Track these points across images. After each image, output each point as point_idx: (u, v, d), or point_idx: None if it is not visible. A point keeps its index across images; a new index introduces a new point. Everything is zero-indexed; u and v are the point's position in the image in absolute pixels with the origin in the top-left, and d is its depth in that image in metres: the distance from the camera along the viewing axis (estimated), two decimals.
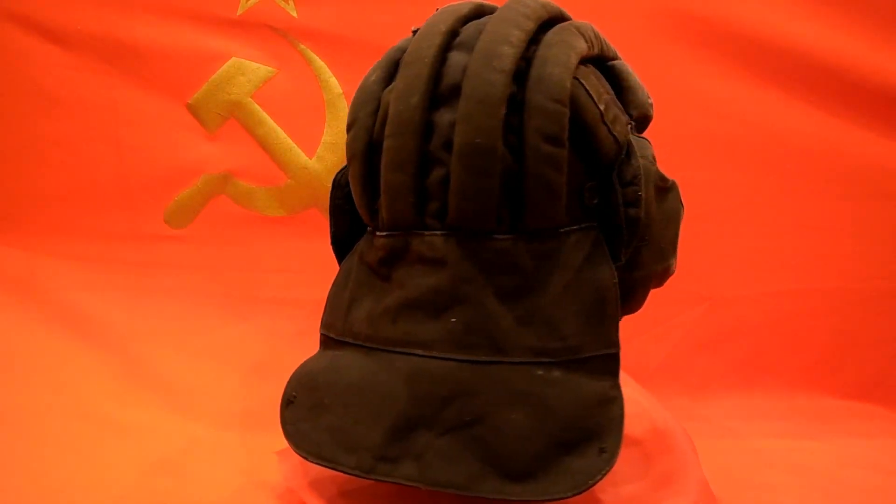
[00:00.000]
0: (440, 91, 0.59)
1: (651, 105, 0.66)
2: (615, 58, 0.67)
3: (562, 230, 0.59)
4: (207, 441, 0.84)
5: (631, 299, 0.66)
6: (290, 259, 1.08)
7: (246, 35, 1.05)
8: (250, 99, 1.07)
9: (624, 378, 0.65)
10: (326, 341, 0.68)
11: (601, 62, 0.65)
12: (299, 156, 1.07)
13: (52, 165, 1.08)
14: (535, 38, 0.60)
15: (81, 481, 0.75)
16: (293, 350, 0.87)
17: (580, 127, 0.59)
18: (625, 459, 0.66)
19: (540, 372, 0.58)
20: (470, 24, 0.62)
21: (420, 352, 0.60)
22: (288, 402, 0.66)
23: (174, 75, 1.05)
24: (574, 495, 0.55)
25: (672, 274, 0.68)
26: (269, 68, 1.06)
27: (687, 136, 1.01)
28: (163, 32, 1.04)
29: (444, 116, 0.59)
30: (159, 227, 1.08)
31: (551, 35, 0.60)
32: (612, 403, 0.58)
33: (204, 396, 0.94)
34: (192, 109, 1.07)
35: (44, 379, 0.93)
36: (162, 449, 0.81)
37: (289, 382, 0.67)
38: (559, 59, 0.58)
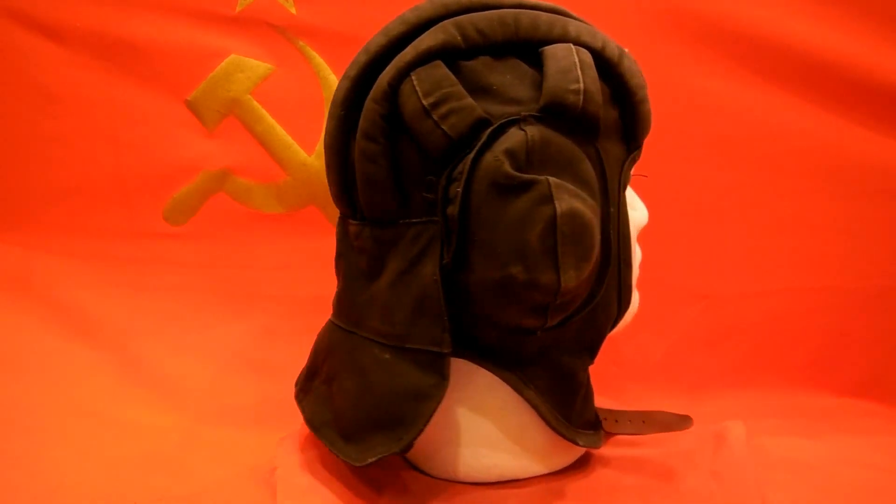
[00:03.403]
0: None
1: (572, 91, 0.60)
2: (558, 40, 0.63)
3: (401, 221, 0.62)
4: (205, 438, 0.84)
5: (476, 305, 0.61)
6: (289, 256, 1.08)
7: (245, 32, 1.05)
8: (249, 96, 1.06)
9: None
10: None
11: (525, 48, 0.63)
12: (298, 153, 1.07)
13: (50, 162, 1.08)
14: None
15: (79, 478, 0.75)
16: (291, 347, 0.87)
17: (400, 122, 0.61)
18: None
19: (376, 351, 0.64)
20: None
21: (331, 313, 0.73)
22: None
23: (173, 72, 1.05)
24: (356, 466, 0.62)
25: (547, 287, 0.59)
26: (268, 65, 1.06)
27: (684, 134, 1.00)
28: (162, 29, 1.04)
29: None
30: (158, 224, 1.08)
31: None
32: (427, 400, 0.61)
33: (201, 393, 0.95)
34: (191, 106, 1.07)
35: (41, 376, 0.93)
36: (159, 445, 0.82)
37: None
38: (395, 60, 0.61)
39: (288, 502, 0.66)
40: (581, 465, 0.73)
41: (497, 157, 0.58)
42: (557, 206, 0.57)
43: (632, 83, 0.66)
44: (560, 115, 0.60)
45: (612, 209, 0.65)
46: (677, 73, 0.99)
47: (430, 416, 0.60)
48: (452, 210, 0.59)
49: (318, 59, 1.06)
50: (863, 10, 0.96)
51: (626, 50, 0.69)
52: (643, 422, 0.76)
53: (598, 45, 0.64)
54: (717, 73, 1.00)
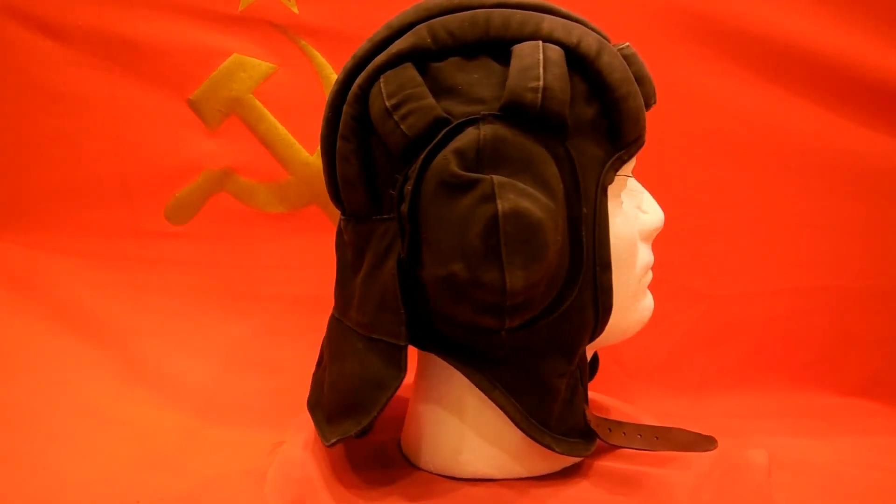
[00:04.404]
0: None
1: (531, 89, 0.59)
2: (529, 38, 0.62)
3: (374, 218, 0.65)
4: (206, 435, 0.84)
5: (433, 301, 0.62)
6: (291, 255, 1.08)
7: (247, 31, 1.05)
8: (251, 95, 1.06)
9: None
10: None
11: (497, 47, 0.62)
12: (300, 152, 1.07)
13: (52, 162, 1.08)
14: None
15: (80, 476, 0.75)
16: (292, 345, 0.88)
17: (369, 122, 0.63)
18: None
19: (354, 339, 0.67)
20: None
21: None
22: None
23: (175, 71, 1.05)
24: (327, 446, 0.67)
25: (492, 286, 0.58)
26: (271, 65, 1.06)
27: (687, 133, 1.00)
28: (163, 28, 1.04)
29: None
30: (160, 224, 1.08)
31: None
32: (385, 389, 0.63)
33: (203, 392, 0.95)
34: (193, 106, 1.07)
35: (44, 375, 0.94)
36: (160, 443, 0.82)
37: None
38: (370, 65, 0.63)
39: (276, 466, 0.73)
40: (567, 473, 0.71)
41: (446, 156, 0.58)
42: (499, 205, 0.56)
43: (611, 79, 0.63)
44: (519, 113, 0.60)
45: (585, 210, 0.63)
46: (679, 71, 0.99)
47: (385, 404, 0.63)
48: (404, 207, 0.60)
49: (320, 59, 1.06)
50: (866, 9, 0.96)
51: (627, 44, 0.67)
52: (657, 437, 0.73)
53: (572, 41, 0.62)
54: (718, 72, 1.00)
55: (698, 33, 0.99)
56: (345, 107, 0.65)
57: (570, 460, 0.71)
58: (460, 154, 0.58)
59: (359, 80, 0.63)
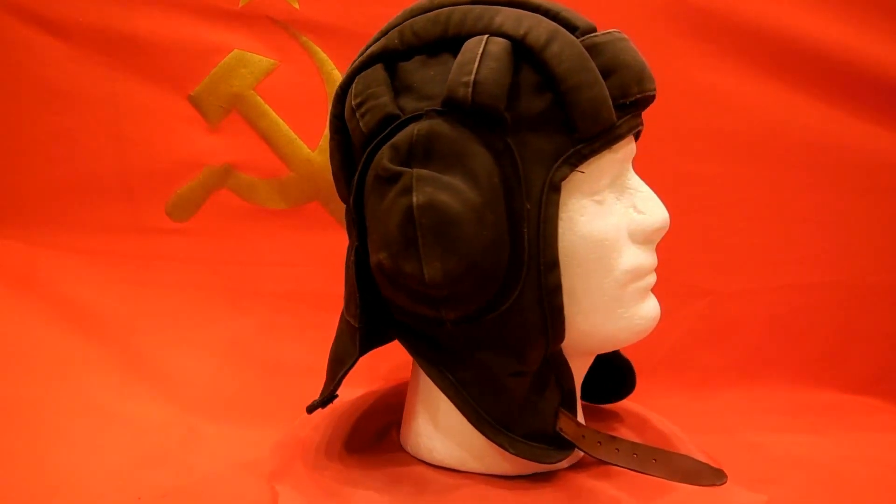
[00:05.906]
0: None
1: (462, 84, 0.58)
2: (482, 33, 0.61)
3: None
4: (207, 433, 0.84)
5: (380, 288, 0.66)
6: (292, 252, 1.08)
7: (248, 27, 1.05)
8: (252, 91, 1.06)
9: None
10: None
11: (458, 44, 0.61)
12: (302, 148, 1.07)
13: (52, 158, 1.08)
14: None
15: (81, 473, 0.75)
16: (293, 343, 0.87)
17: (343, 120, 0.68)
18: None
19: (342, 319, 0.72)
20: None
21: None
22: None
23: (176, 67, 1.05)
24: (307, 412, 0.72)
25: (413, 277, 0.59)
26: (271, 60, 1.06)
27: (689, 129, 1.00)
28: (164, 24, 1.04)
29: None
30: (161, 221, 1.08)
31: None
32: (342, 365, 0.69)
33: (204, 389, 0.95)
34: (194, 102, 1.07)
35: (44, 371, 0.94)
36: (161, 441, 0.82)
37: None
38: (351, 66, 0.68)
39: (295, 425, 0.80)
40: (536, 479, 0.68)
41: (383, 150, 0.61)
42: (415, 197, 0.58)
43: (559, 69, 0.60)
44: (456, 108, 0.60)
45: (528, 206, 0.60)
46: (680, 67, 0.98)
47: (341, 378, 0.69)
48: (351, 199, 0.65)
49: (322, 55, 1.05)
50: (870, 5, 0.96)
51: (613, 31, 0.64)
52: (654, 460, 0.67)
53: (519, 32, 0.60)
54: (719, 68, 0.99)
55: (700, 28, 0.99)
56: (330, 107, 0.69)
57: (533, 464, 0.67)
58: (395, 148, 0.60)
59: (340, 82, 0.68)
